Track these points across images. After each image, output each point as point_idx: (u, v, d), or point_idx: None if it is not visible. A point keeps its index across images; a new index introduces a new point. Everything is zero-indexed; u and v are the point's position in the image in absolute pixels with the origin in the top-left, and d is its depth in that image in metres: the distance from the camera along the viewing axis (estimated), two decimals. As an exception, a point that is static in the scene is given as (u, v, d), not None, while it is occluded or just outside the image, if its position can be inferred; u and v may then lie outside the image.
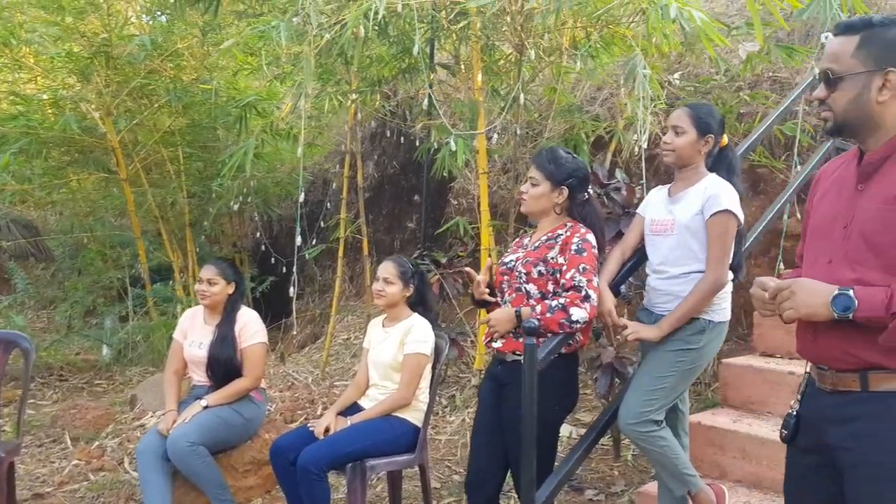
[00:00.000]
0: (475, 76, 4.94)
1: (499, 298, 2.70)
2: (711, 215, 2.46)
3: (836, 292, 1.58)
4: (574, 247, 2.53)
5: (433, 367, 3.29)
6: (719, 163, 2.64)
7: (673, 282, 2.54)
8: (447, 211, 6.84)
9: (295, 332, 6.30)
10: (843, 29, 1.66)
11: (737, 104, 4.89)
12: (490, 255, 4.96)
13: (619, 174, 3.75)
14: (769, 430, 2.87)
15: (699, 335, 2.49)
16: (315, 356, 6.33)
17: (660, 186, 2.79)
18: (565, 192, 2.65)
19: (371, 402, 3.25)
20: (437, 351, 3.30)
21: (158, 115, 6.73)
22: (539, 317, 2.43)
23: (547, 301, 2.50)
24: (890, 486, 1.59)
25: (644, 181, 3.65)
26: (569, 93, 5.61)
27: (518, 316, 2.52)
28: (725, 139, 2.66)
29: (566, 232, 2.61)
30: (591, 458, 4.18)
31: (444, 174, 6.15)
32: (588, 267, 2.50)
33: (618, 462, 4.13)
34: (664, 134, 2.62)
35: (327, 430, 3.10)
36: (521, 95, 3.88)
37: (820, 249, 1.74)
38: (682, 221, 2.52)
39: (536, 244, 2.64)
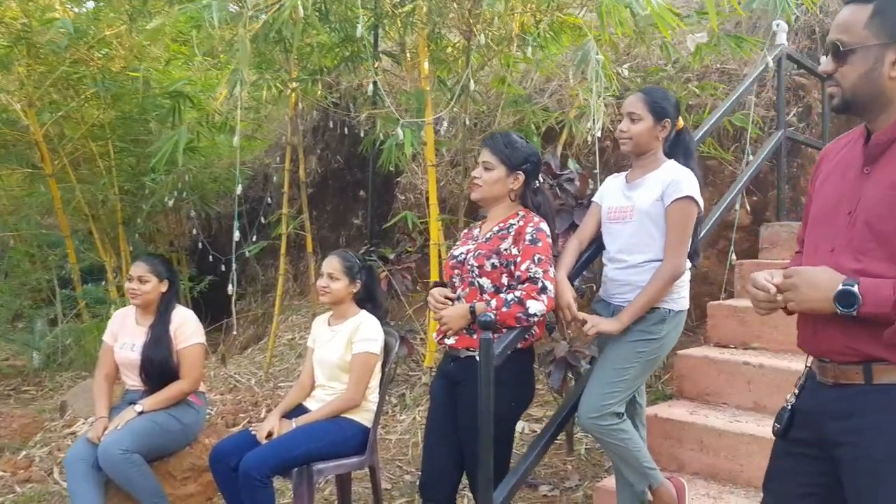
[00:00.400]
0: (421, 64, 4.81)
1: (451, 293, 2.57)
2: (672, 202, 2.39)
3: (841, 287, 1.48)
4: (528, 237, 2.42)
5: (383, 366, 3.14)
6: (676, 147, 2.57)
7: (631, 271, 2.46)
8: (394, 206, 6.69)
9: (236, 333, 6.06)
10: None
11: (685, 95, 4.87)
12: (440, 251, 4.86)
13: (571, 164, 3.66)
14: (726, 421, 2.82)
15: (660, 325, 2.41)
16: (258, 357, 6.10)
17: (616, 174, 2.71)
18: (521, 177, 2.54)
19: (317, 404, 3.09)
20: (387, 349, 3.16)
21: (86, 107, 6.37)
22: (494, 311, 2.30)
23: (502, 294, 2.38)
24: (889, 486, 1.51)
25: (598, 171, 3.57)
26: (517, 84, 5.53)
27: (472, 312, 2.39)
28: (681, 122, 2.59)
29: (519, 221, 2.49)
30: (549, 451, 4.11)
31: (391, 168, 6.00)
32: (543, 257, 2.39)
33: (571, 456, 4.05)
34: (618, 123, 2.54)
35: (270, 433, 2.92)
36: (472, 82, 3.73)
37: (822, 236, 1.64)
38: (642, 208, 2.44)
39: (488, 235, 2.52)
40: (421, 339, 5.33)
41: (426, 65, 4.82)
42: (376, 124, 6.11)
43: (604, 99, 3.52)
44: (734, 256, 3.83)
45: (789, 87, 4.99)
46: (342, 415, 3.01)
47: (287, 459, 2.83)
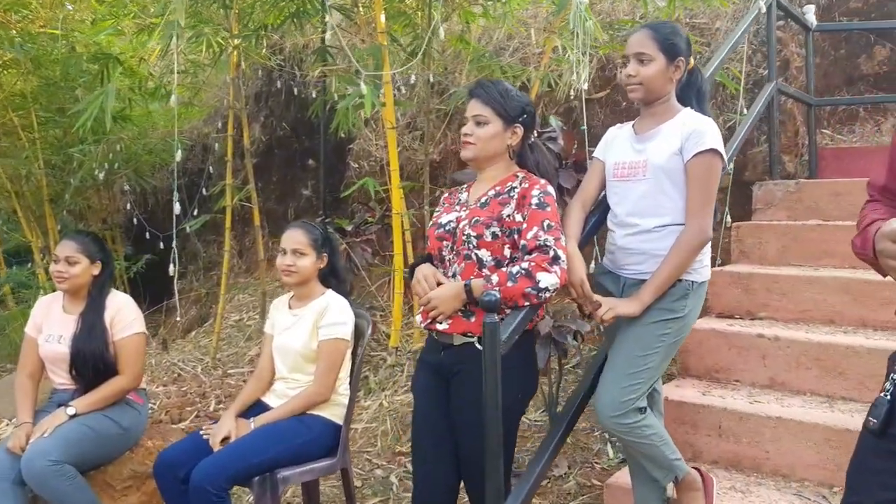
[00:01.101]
0: (377, 17, 4.37)
1: (440, 269, 2.19)
2: (694, 156, 2.04)
3: None
4: (534, 200, 2.05)
5: (353, 353, 2.76)
6: (687, 89, 2.22)
7: (645, 237, 2.11)
8: (347, 175, 6.26)
9: (180, 318, 5.57)
10: None
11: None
12: (403, 220, 4.47)
13: (553, 121, 3.28)
14: (746, 402, 2.53)
15: (683, 300, 2.07)
16: (203, 341, 5.63)
17: (619, 124, 2.35)
18: (519, 131, 2.17)
19: (279, 399, 2.69)
20: (358, 333, 2.77)
21: (4, 74, 5.73)
22: (497, 288, 1.93)
23: (505, 268, 2.01)
24: None
25: (584, 127, 3.21)
26: (477, 43, 5.15)
27: (468, 290, 2.02)
28: (692, 61, 2.23)
29: (521, 184, 2.12)
30: (524, 436, 3.80)
31: (342, 134, 5.56)
32: (553, 223, 2.02)
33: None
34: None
35: (226, 437, 2.52)
36: (441, 31, 3.32)
37: None
38: (657, 163, 2.09)
39: (484, 200, 2.14)
40: (381, 315, 4.98)
41: (382, 18, 4.38)
42: (327, 86, 5.68)
43: (588, 49, 3.16)
44: (729, 219, 3.54)
45: (766, 42, 4.72)
46: (309, 411, 2.62)
47: (247, 467, 2.43)
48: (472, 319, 2.04)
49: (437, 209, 2.31)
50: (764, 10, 3.49)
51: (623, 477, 2.43)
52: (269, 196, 6.81)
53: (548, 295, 1.95)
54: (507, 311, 1.96)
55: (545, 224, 2.00)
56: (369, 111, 3.90)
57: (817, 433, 2.32)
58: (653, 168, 2.09)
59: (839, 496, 2.24)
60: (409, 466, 3.67)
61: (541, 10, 5.48)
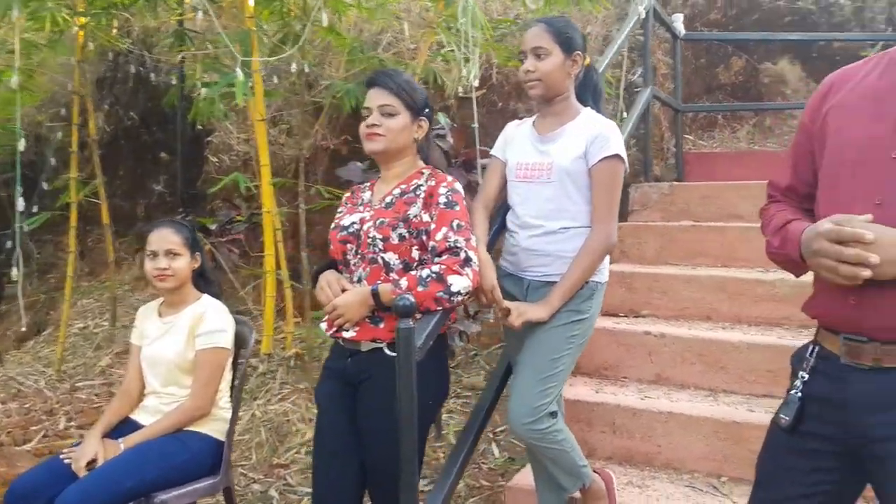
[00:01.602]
0: (245, 0, 4.11)
1: (344, 273, 2.05)
2: (599, 161, 2.04)
3: None
4: (442, 199, 1.96)
5: (234, 364, 2.55)
6: (584, 87, 2.21)
7: (550, 239, 2.08)
8: (206, 169, 5.90)
9: (25, 328, 4.98)
10: None
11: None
12: (274, 220, 4.24)
13: (441, 118, 3.21)
14: (636, 398, 2.59)
15: (589, 301, 2.07)
16: (44, 351, 5.08)
17: (517, 122, 2.30)
18: (424, 125, 2.07)
19: (151, 416, 2.42)
20: (241, 342, 2.56)
21: None
22: (408, 292, 1.82)
23: (414, 272, 1.91)
24: None
25: (475, 125, 3.16)
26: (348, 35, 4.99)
27: (375, 295, 1.90)
28: (588, 58, 2.23)
29: (427, 181, 2.02)
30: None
31: (200, 126, 5.22)
32: (463, 223, 1.94)
33: (440, 442, 3.70)
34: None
35: (93, 461, 2.23)
36: (324, 15, 3.15)
37: (858, 185, 1.35)
38: (562, 165, 2.07)
39: (389, 199, 2.02)
40: (251, 320, 4.71)
41: (251, 1, 4.13)
42: (184, 74, 5.30)
43: (479, 46, 3.12)
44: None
45: (633, 47, 4.93)
46: (187, 428, 2.39)
47: (120, 493, 2.17)
48: (381, 325, 1.92)
49: (340, 210, 2.16)
50: (643, 16, 3.61)
51: (524, 479, 2.40)
52: (115, 192, 6.27)
53: (460, 298, 1.87)
54: (418, 316, 1.86)
55: (455, 224, 1.92)
56: (241, 100, 3.66)
57: (706, 426, 2.41)
58: (558, 170, 2.07)
59: (728, 486, 2.35)
60: (289, 479, 3.49)
61: (414, 4, 5.41)
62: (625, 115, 3.70)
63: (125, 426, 2.44)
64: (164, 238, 2.46)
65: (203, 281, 2.59)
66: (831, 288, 1.37)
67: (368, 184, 2.18)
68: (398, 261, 1.93)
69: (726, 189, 3.57)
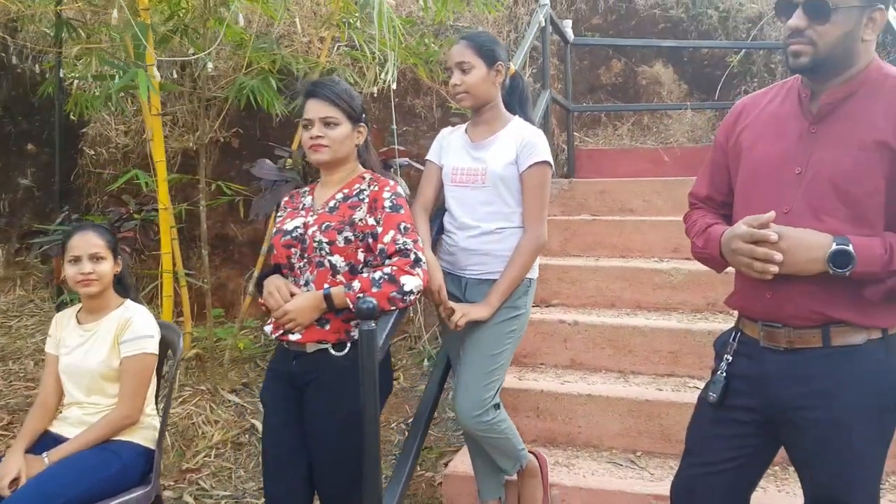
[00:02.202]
0: (138, -7, 3.94)
1: (289, 277, 2.07)
2: (529, 167, 2.18)
3: (835, 247, 1.41)
4: (387, 203, 2.02)
5: (158, 370, 2.50)
6: (511, 94, 2.35)
7: (487, 239, 2.21)
8: (80, 162, 5.61)
9: None
10: None
11: (430, 51, 4.70)
12: (169, 216, 4.11)
13: (356, 117, 3.24)
14: (557, 383, 2.77)
15: (524, 297, 2.22)
16: None
17: (450, 128, 2.41)
18: (364, 130, 2.13)
19: (75, 428, 2.33)
20: (171, 348, 2.51)
21: None
22: (362, 294, 1.88)
23: (365, 274, 1.97)
24: (858, 441, 1.51)
25: (395, 126, 3.21)
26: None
27: (328, 298, 1.94)
28: (513, 67, 2.37)
29: (370, 186, 2.08)
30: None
31: (73, 117, 4.93)
32: (409, 226, 2.01)
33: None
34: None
35: (15, 480, 2.13)
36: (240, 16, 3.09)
37: (769, 196, 1.55)
38: (496, 171, 2.19)
39: (332, 204, 2.06)
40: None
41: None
42: (61, 63, 4.99)
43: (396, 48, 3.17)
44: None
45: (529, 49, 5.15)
46: (116, 437, 2.32)
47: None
48: (327, 327, 1.96)
49: (280, 214, 2.17)
50: (544, 24, 3.80)
51: (459, 466, 2.53)
52: (-28, 185, 5.85)
53: (412, 298, 1.95)
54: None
55: (402, 227, 1.99)
56: (144, 97, 3.52)
57: (620, 406, 2.63)
58: (491, 176, 2.19)
59: (643, 459, 2.58)
60: (202, 483, 3.43)
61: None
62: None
63: (45, 439, 2.35)
64: (87, 241, 2.37)
65: (121, 286, 2.52)
66: (750, 285, 1.58)
67: (308, 189, 2.21)
68: (344, 263, 1.98)
69: (620, 185, 3.86)
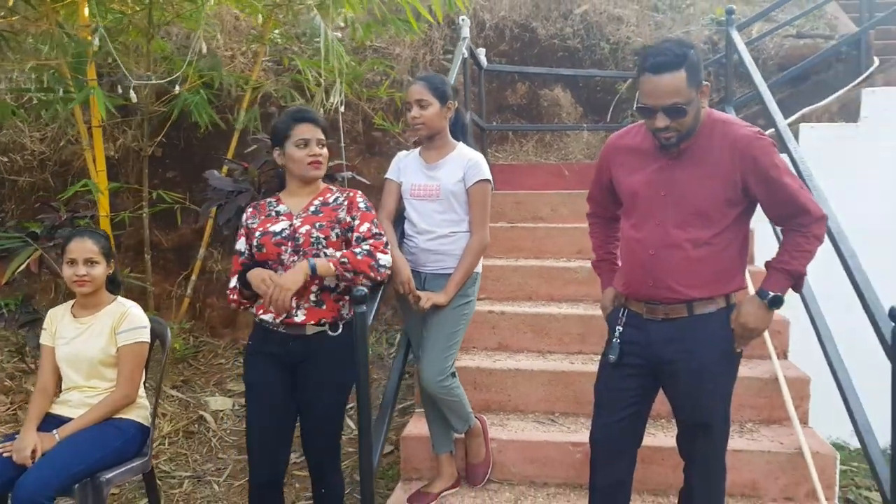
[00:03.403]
0: (81, 10, 4.18)
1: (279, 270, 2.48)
2: (474, 183, 2.71)
3: (770, 298, 2.11)
4: (362, 205, 2.52)
5: (148, 360, 2.84)
6: (455, 124, 2.86)
7: (442, 241, 2.71)
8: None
9: None
10: (668, 67, 1.98)
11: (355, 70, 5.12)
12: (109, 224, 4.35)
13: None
14: (489, 362, 3.31)
15: (473, 287, 2.75)
16: None
17: (405, 152, 2.90)
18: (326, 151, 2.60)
19: (76, 409, 2.65)
20: (161, 339, 2.87)
21: None
22: (345, 259, 2.36)
23: (350, 249, 2.45)
24: (711, 382, 2.15)
25: (343, 144, 3.66)
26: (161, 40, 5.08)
27: (313, 267, 2.36)
28: (456, 104, 2.89)
29: (342, 194, 2.56)
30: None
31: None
32: (377, 221, 2.54)
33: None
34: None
35: (33, 452, 2.45)
36: (203, 44, 3.46)
37: (647, 212, 2.15)
38: (448, 187, 2.71)
39: (312, 209, 2.50)
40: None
41: (86, 10, 4.21)
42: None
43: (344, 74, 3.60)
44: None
45: (439, 70, 5.70)
46: (117, 415, 2.67)
47: (71, 476, 2.44)
48: (324, 307, 2.42)
49: (252, 221, 2.52)
50: (466, 55, 4.36)
51: (413, 430, 3.03)
52: None
53: (384, 271, 2.43)
54: (360, 278, 2.37)
55: (374, 222, 2.51)
56: (103, 113, 3.80)
57: (541, 378, 3.21)
58: (444, 191, 2.71)
59: (561, 418, 3.16)
60: (162, 467, 3.73)
61: (224, 12, 5.59)
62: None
63: (49, 420, 2.65)
64: (83, 247, 2.69)
65: (112, 284, 2.85)
66: (637, 277, 2.18)
67: (274, 199, 2.59)
68: (333, 253, 2.44)
69: (532, 196, 4.47)
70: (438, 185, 2.71)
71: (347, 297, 2.45)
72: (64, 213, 4.96)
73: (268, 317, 2.45)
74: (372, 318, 2.43)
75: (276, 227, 2.48)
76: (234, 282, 2.50)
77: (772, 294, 2.11)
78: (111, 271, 2.78)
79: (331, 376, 2.42)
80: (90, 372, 2.70)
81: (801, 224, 2.09)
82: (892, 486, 2.20)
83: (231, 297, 2.51)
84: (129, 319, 2.72)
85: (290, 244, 2.45)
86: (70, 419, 2.62)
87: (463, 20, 4.38)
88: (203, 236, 4.88)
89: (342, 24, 5.03)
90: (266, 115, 5.21)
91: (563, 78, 5.91)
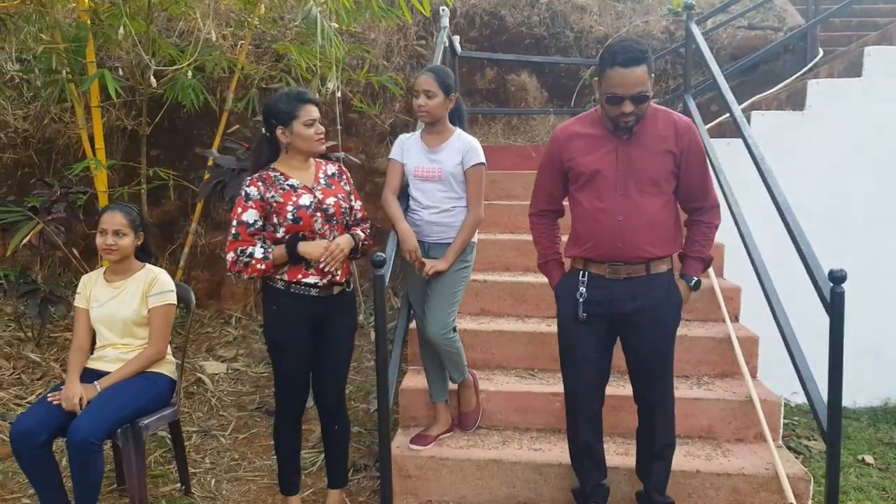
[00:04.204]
0: (82, -5, 4.39)
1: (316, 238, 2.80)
2: (471, 166, 3.08)
3: (693, 283, 2.64)
4: (350, 180, 2.96)
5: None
6: (453, 112, 3.20)
7: (444, 215, 3.08)
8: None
9: None
10: (636, 62, 2.38)
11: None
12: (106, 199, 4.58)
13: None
14: (474, 325, 3.70)
15: (470, 254, 3.14)
16: None
17: (407, 135, 3.24)
18: None
19: (111, 364, 2.96)
20: (187, 303, 3.19)
21: None
22: (366, 240, 2.87)
23: (362, 228, 2.92)
24: (663, 332, 2.62)
25: (339, 127, 3.96)
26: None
27: (355, 237, 2.83)
28: (457, 94, 3.23)
29: (332, 165, 2.94)
30: (262, 384, 4.48)
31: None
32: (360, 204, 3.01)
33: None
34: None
35: (81, 400, 2.77)
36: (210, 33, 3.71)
37: (609, 185, 2.54)
38: (448, 170, 3.07)
39: (322, 182, 2.84)
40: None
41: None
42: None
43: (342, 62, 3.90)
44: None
45: (412, 55, 6.03)
46: (149, 369, 2.99)
47: (117, 419, 2.78)
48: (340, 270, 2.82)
49: (270, 195, 2.74)
50: (448, 44, 4.69)
51: (410, 383, 3.41)
52: None
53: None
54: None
55: (359, 203, 2.97)
56: (114, 95, 4.03)
57: (522, 338, 3.62)
58: (445, 173, 3.07)
59: (540, 373, 3.58)
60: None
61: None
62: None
63: (87, 374, 2.95)
64: (113, 219, 2.98)
65: (144, 254, 3.14)
66: (606, 242, 2.55)
67: (278, 174, 2.82)
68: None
69: (505, 176, 4.86)
70: (440, 167, 3.07)
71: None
72: (58, 189, 5.18)
73: (311, 280, 2.75)
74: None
75: (304, 201, 2.76)
76: (260, 252, 2.69)
77: (695, 279, 2.65)
78: (140, 242, 3.07)
79: (346, 322, 2.86)
80: (124, 331, 3.00)
81: (702, 209, 2.62)
82: (830, 423, 2.61)
83: (258, 266, 2.68)
84: (158, 284, 3.02)
85: (320, 215, 2.77)
86: (106, 373, 2.92)
87: (443, 10, 4.71)
88: (190, 212, 5.13)
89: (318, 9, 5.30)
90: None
91: (529, 64, 6.29)
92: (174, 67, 4.44)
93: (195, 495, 3.27)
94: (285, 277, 2.75)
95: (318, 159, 2.92)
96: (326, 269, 2.72)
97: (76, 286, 3.14)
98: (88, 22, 4.45)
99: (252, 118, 4.59)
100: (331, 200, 2.80)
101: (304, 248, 2.72)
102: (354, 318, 2.93)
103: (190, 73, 4.61)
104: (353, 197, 2.92)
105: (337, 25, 3.87)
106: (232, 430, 3.97)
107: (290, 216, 2.73)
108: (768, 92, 5.62)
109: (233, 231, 2.73)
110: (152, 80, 3.87)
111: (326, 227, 2.79)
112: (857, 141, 4.64)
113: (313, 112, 2.80)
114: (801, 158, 4.62)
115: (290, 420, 2.90)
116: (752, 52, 6.05)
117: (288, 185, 2.81)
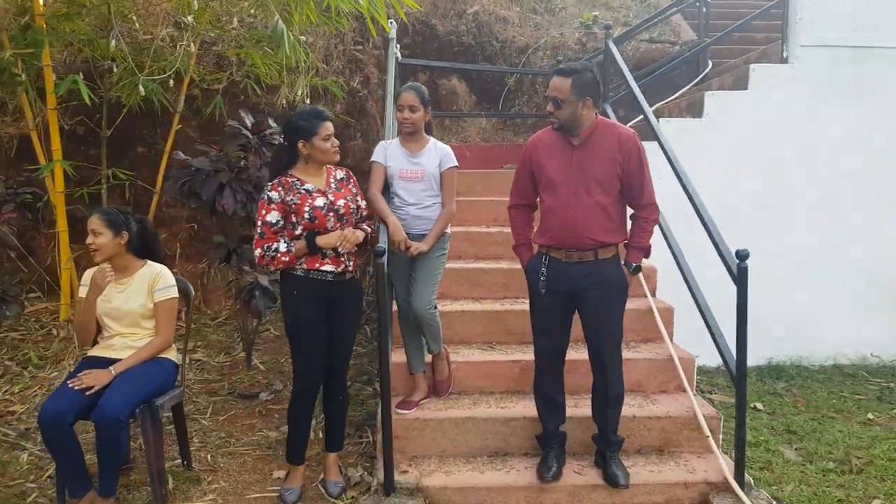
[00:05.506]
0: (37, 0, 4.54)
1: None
2: (447, 168, 3.58)
3: (633, 268, 3.17)
4: (356, 182, 3.35)
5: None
6: (427, 125, 3.68)
7: (426, 210, 3.56)
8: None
9: None
10: (562, 74, 2.99)
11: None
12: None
13: (273, 123, 4.33)
14: (439, 308, 4.17)
15: (447, 243, 3.66)
16: None
17: (387, 141, 3.70)
18: None
19: (121, 352, 3.22)
20: (186, 296, 3.51)
21: None
22: (371, 234, 3.29)
23: (369, 223, 3.32)
24: (611, 305, 3.17)
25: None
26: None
27: (365, 234, 3.23)
28: (430, 108, 3.69)
29: (339, 171, 3.34)
30: (227, 372, 4.77)
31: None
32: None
33: (252, 370, 4.80)
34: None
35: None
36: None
37: (564, 185, 3.08)
38: (429, 171, 3.56)
39: (332, 186, 3.24)
40: (47, 292, 5.02)
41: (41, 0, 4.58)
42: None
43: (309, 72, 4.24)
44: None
45: (351, 59, 6.40)
46: (158, 356, 3.28)
47: (138, 398, 3.08)
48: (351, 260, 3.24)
49: (290, 198, 3.12)
50: (400, 57, 5.12)
51: (392, 358, 3.82)
52: None
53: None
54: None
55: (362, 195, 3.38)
56: (87, 99, 4.21)
57: (480, 317, 4.12)
58: (426, 175, 3.55)
59: (497, 346, 4.09)
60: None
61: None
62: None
63: (99, 362, 3.21)
64: (91, 220, 3.25)
65: (143, 251, 3.39)
66: (560, 229, 3.09)
67: (295, 179, 3.20)
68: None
69: (471, 175, 5.37)
70: (422, 169, 3.55)
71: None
72: (2, 189, 5.22)
73: (327, 268, 3.14)
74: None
75: (319, 203, 3.14)
76: (284, 246, 3.08)
77: (634, 265, 3.20)
78: (124, 241, 3.28)
79: (354, 303, 3.29)
80: (131, 323, 3.28)
81: (641, 206, 3.17)
82: (737, 365, 3.22)
83: (283, 259, 3.08)
84: (162, 279, 3.31)
85: (332, 214, 3.16)
86: (116, 360, 3.20)
87: (391, 23, 5.14)
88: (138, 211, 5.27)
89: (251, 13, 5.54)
90: (191, 97, 5.60)
91: (459, 70, 6.80)
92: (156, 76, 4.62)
93: (196, 469, 3.57)
94: (304, 266, 3.14)
95: (330, 166, 3.30)
96: (342, 252, 3.13)
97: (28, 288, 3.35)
98: (44, 26, 4.59)
99: (226, 123, 4.78)
100: (341, 202, 3.20)
101: (323, 240, 3.12)
102: (361, 302, 3.37)
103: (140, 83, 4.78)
104: (359, 197, 3.31)
105: (305, 38, 4.21)
106: (211, 414, 4.25)
107: (306, 216, 3.11)
108: (669, 100, 6.35)
109: (258, 230, 3.11)
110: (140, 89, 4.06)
111: (338, 225, 3.18)
112: (746, 145, 5.39)
113: (330, 128, 3.21)
114: (700, 160, 5.27)
115: (307, 396, 3.26)
116: (653, 62, 6.79)
117: (304, 189, 3.18)
